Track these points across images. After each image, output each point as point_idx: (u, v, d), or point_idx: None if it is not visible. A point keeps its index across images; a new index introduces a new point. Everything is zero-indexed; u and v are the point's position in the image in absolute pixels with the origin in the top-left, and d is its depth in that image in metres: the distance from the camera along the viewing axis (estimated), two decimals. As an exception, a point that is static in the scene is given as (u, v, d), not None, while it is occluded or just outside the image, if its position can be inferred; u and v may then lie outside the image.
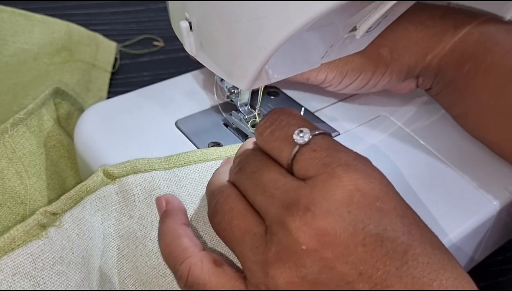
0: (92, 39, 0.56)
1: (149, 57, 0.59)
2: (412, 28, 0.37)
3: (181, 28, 0.28)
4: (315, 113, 0.40)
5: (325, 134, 0.25)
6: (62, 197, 0.28)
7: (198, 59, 0.30)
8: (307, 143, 0.24)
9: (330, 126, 0.39)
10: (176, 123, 0.38)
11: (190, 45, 0.29)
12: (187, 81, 0.42)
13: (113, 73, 0.55)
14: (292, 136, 0.24)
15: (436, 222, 0.32)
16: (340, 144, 0.25)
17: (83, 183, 0.29)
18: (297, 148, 0.24)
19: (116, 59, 0.57)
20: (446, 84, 0.38)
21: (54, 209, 0.27)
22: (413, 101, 0.43)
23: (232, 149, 0.34)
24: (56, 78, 0.50)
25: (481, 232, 0.35)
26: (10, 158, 0.36)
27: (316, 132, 0.24)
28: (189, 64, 0.43)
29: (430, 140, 0.39)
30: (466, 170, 0.36)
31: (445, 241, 0.32)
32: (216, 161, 0.33)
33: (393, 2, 0.25)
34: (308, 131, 0.24)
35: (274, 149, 0.25)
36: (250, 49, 0.25)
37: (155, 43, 0.61)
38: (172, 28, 0.31)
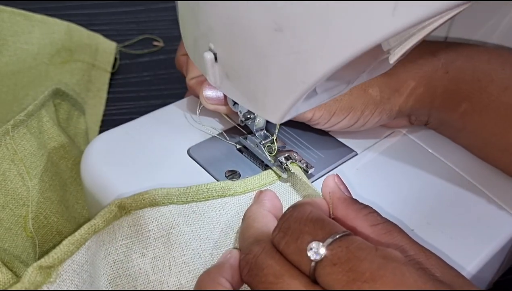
0: (92, 39, 0.56)
1: (149, 57, 0.59)
2: (402, 68, 0.35)
3: (205, 59, 0.26)
4: (329, 133, 0.39)
5: (342, 237, 0.23)
6: (64, 242, 0.25)
7: (221, 90, 0.29)
8: (325, 256, 0.22)
9: (347, 147, 0.38)
10: (188, 152, 0.36)
11: (214, 77, 0.27)
12: (194, 104, 0.40)
13: (113, 73, 0.55)
14: (307, 251, 0.22)
15: (460, 245, 0.31)
16: (361, 248, 0.22)
17: (90, 223, 0.26)
18: (313, 264, 0.22)
19: (116, 59, 0.57)
20: (442, 123, 0.37)
21: (51, 262, 0.24)
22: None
23: (246, 182, 0.32)
24: (56, 78, 0.50)
25: (505, 250, 0.34)
26: (12, 160, 0.35)
27: (331, 239, 0.22)
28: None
29: (448, 154, 0.38)
30: (489, 187, 0.35)
31: (473, 265, 0.31)
32: (232, 196, 0.31)
33: (437, 25, 0.23)
34: (321, 245, 0.22)
35: (293, 261, 0.23)
36: (287, 83, 0.24)
37: (155, 43, 0.61)
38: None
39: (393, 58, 0.26)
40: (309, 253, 0.22)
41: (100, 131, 0.48)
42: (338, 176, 0.30)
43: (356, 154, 0.37)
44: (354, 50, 0.21)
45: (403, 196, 0.34)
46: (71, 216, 0.38)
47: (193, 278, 0.28)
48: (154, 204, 0.28)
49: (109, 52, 0.56)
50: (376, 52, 0.26)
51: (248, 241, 0.26)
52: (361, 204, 0.27)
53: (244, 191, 0.32)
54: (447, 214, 0.33)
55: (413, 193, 0.34)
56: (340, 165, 0.36)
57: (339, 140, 0.38)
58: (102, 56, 0.55)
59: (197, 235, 0.29)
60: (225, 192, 0.31)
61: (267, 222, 0.28)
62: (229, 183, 0.32)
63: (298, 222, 0.24)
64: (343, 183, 0.29)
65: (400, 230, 0.26)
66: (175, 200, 0.29)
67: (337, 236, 0.22)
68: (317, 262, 0.22)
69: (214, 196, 0.31)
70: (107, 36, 0.58)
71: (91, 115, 0.49)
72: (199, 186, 0.30)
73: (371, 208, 0.27)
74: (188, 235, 0.29)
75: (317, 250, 0.22)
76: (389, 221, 0.26)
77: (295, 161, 0.33)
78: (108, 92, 0.53)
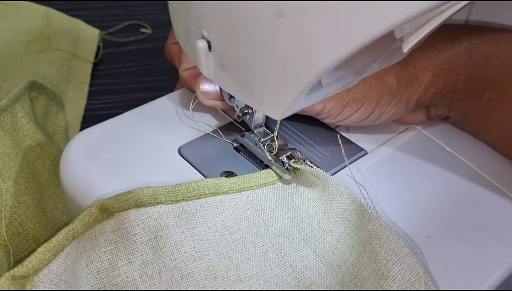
0: (73, 26, 0.55)
1: (135, 45, 0.58)
2: (422, 53, 0.34)
3: (198, 48, 0.26)
4: (336, 129, 0.38)
5: None
6: (39, 249, 0.24)
7: (215, 82, 0.28)
8: None
9: (355, 145, 0.37)
10: (179, 151, 0.35)
11: (208, 68, 0.27)
12: (186, 97, 0.39)
13: (95, 64, 0.54)
14: None
15: (482, 254, 0.30)
16: None
17: (68, 227, 0.25)
18: None
19: (99, 48, 0.56)
20: (464, 115, 0.36)
21: (25, 272, 0.23)
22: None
23: (243, 180, 0.31)
24: (33, 69, 0.49)
25: None
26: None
27: None
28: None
29: (467, 153, 0.36)
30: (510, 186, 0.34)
31: (496, 277, 0.29)
32: (227, 194, 0.30)
33: (455, 9, 0.23)
34: None
35: None
36: (289, 74, 0.23)
37: (143, 30, 0.60)
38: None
39: (407, 47, 0.26)
40: None
41: (81, 128, 0.47)
42: None
43: (366, 153, 0.36)
44: (364, 38, 0.20)
45: (417, 199, 0.33)
46: (49, 222, 0.37)
47: (186, 284, 0.27)
48: (139, 204, 0.28)
49: (92, 40, 0.55)
50: (388, 40, 0.25)
51: None
52: None
53: (240, 189, 0.31)
54: (467, 220, 0.32)
55: (429, 196, 0.33)
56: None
57: (346, 138, 0.37)
58: (84, 44, 0.54)
59: (190, 236, 0.28)
60: (218, 189, 0.30)
61: None
62: (222, 179, 0.31)
63: None
64: None
65: None
66: (163, 200, 0.29)
67: None
68: None
69: (206, 194, 0.30)
70: (89, 22, 0.57)
71: (71, 110, 0.48)
72: (189, 183, 0.30)
73: None
74: (179, 236, 0.28)
75: None
76: None
77: (298, 160, 0.32)
78: (90, 85, 0.52)
